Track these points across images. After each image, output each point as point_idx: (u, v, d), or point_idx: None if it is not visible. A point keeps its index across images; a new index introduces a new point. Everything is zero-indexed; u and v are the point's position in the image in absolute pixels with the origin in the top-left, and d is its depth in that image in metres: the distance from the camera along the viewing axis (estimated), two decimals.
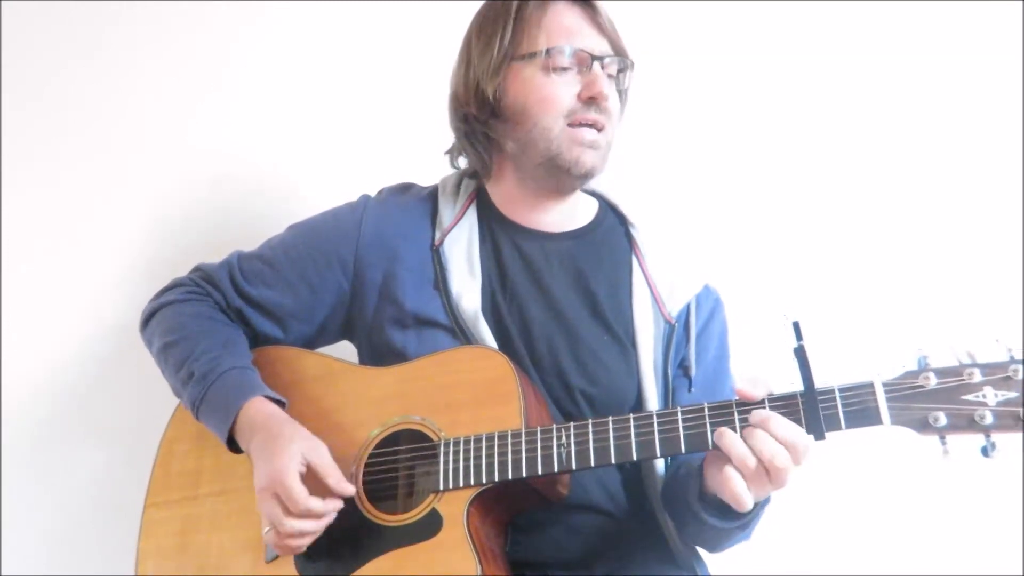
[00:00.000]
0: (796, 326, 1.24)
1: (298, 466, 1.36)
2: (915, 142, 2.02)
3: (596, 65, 1.51)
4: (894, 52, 2.05)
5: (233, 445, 1.46)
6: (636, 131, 1.64)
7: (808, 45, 2.06)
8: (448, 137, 1.66)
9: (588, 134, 1.51)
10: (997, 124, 1.99)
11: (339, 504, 1.37)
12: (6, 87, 2.07)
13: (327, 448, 1.40)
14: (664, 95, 1.85)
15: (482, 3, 1.61)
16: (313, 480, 1.36)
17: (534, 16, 1.53)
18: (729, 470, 1.25)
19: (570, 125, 1.51)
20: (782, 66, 2.06)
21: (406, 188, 1.68)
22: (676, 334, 1.55)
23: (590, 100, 1.51)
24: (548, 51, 1.50)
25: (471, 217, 1.61)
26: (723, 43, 2.07)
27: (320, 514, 1.35)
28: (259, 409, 1.44)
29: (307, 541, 1.37)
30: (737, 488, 1.24)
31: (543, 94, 1.51)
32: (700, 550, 1.56)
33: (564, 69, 1.51)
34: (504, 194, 1.63)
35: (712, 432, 1.27)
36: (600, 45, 1.54)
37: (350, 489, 1.39)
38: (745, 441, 1.24)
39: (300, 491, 1.34)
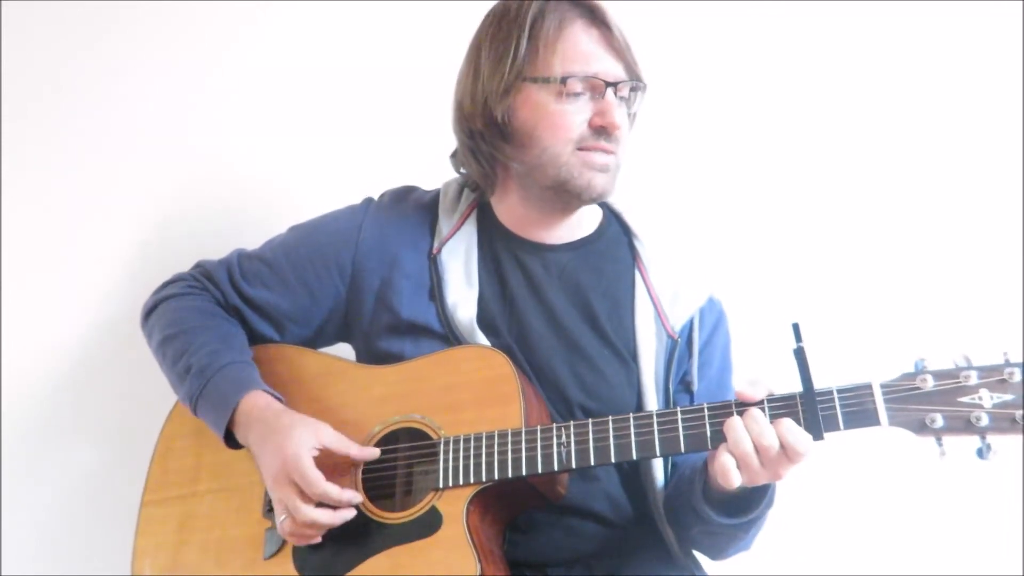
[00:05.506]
0: (796, 328, 1.24)
1: (310, 450, 1.37)
2: (912, 143, 2.02)
3: (610, 92, 1.47)
4: (891, 56, 2.04)
5: (230, 441, 1.47)
6: (641, 142, 1.61)
7: (808, 54, 2.05)
8: (451, 139, 1.63)
9: (599, 157, 1.48)
10: (997, 126, 1.99)
11: (356, 496, 1.39)
12: (6, 87, 2.06)
13: (329, 426, 1.42)
14: (668, 105, 1.84)
15: (494, 4, 1.56)
16: (325, 469, 1.37)
17: (550, 37, 1.47)
18: (722, 448, 1.26)
19: (579, 150, 1.47)
20: (782, 73, 2.06)
21: (408, 192, 1.67)
22: (679, 349, 1.54)
23: (600, 129, 1.47)
24: (563, 79, 1.45)
25: (470, 227, 1.60)
26: (726, 55, 2.07)
27: (336, 501, 1.37)
28: (255, 403, 1.45)
29: (321, 530, 1.38)
30: (726, 461, 1.25)
31: (553, 121, 1.47)
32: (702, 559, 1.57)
33: (576, 95, 1.47)
34: (507, 208, 1.60)
35: (711, 432, 1.28)
36: (615, 69, 1.48)
37: (375, 452, 1.42)
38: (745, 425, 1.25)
39: (316, 475, 1.35)
